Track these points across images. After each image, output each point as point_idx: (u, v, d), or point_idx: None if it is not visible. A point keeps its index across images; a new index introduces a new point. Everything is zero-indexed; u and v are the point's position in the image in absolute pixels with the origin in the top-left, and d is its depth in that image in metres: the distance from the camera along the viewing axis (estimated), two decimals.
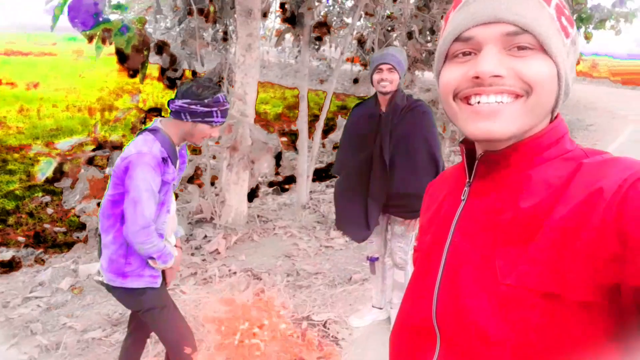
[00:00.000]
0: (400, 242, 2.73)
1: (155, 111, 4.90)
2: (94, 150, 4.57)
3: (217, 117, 1.80)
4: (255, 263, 3.91)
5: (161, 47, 4.79)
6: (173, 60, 4.75)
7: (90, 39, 4.34)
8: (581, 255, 0.56)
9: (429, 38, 7.98)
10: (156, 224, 1.83)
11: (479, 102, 0.65)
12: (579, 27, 11.95)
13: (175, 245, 2.09)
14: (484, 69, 0.63)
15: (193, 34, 4.83)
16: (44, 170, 4.19)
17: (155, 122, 1.86)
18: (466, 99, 0.67)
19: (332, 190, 6.15)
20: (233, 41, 5.05)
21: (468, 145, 0.76)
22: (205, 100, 1.77)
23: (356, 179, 2.66)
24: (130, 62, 4.42)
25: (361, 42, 7.85)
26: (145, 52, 4.50)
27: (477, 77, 0.64)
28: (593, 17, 11.79)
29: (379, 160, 2.56)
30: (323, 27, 4.99)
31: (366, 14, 4.92)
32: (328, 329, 2.81)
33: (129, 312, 3.18)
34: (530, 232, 0.61)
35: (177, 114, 1.80)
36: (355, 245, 4.35)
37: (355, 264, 3.90)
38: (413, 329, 0.76)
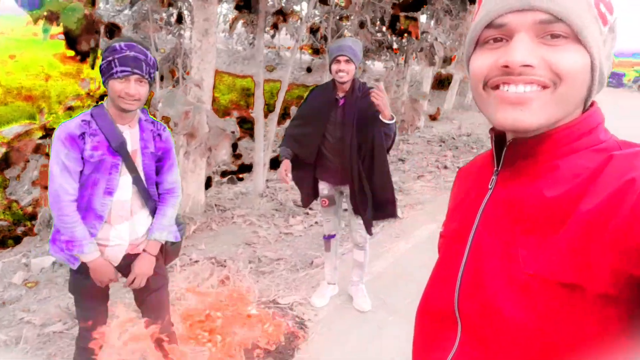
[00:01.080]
0: (359, 218, 2.83)
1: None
2: (41, 138, 4.36)
3: (116, 66, 1.60)
4: (215, 251, 3.91)
5: (113, 30, 4.62)
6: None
7: (36, 20, 4.13)
8: (607, 246, 0.56)
9: (378, 28, 8.16)
10: (93, 204, 1.74)
11: (507, 91, 0.65)
12: None
13: (144, 250, 1.91)
14: (515, 59, 0.62)
15: (146, 16, 4.69)
16: None
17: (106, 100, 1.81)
18: (496, 87, 0.66)
19: (289, 178, 6.22)
20: (187, 25, 4.95)
21: (498, 133, 0.74)
22: (104, 54, 1.64)
23: (308, 154, 2.79)
24: (80, 44, 4.24)
25: (313, 30, 7.90)
26: (97, 35, 4.33)
27: (506, 66, 0.63)
28: None
29: (339, 142, 2.68)
30: (280, 15, 4.99)
31: (320, 1, 4.97)
32: (294, 310, 2.89)
33: None
34: (555, 222, 0.61)
35: (103, 84, 1.71)
36: (314, 231, 4.46)
37: (315, 249, 3.99)
38: (435, 314, 0.77)
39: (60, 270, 3.60)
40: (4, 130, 4.16)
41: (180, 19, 4.75)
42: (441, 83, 14.59)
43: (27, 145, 4.29)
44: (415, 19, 5.27)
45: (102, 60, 1.67)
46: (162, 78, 4.60)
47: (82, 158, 1.72)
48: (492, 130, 0.75)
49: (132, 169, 1.81)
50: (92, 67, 4.40)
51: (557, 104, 0.64)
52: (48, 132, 4.55)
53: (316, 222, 4.64)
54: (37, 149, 4.37)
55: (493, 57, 0.66)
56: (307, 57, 20.27)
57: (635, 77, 20.34)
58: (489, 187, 0.73)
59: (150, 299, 1.98)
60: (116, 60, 1.60)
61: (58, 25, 4.12)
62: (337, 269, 3.13)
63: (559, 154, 0.66)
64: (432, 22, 7.99)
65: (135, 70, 1.62)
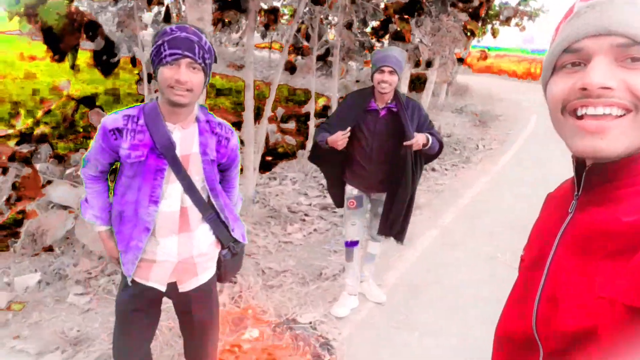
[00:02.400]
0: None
1: (88, 101, 4.42)
2: (17, 144, 4.03)
3: (165, 50, 1.40)
4: None
5: (94, 29, 4.32)
6: (109, 44, 4.30)
7: (12, 17, 3.82)
8: None
9: (360, 30, 8.09)
10: (140, 213, 1.56)
11: (585, 114, 0.64)
12: (487, 24, 12.81)
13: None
14: (592, 81, 0.62)
15: (130, 14, 4.41)
16: None
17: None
18: (574, 111, 0.66)
19: (278, 183, 6.05)
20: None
21: (579, 157, 0.73)
22: (154, 40, 1.46)
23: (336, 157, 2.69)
24: (63, 43, 3.94)
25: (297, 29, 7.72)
26: (79, 32, 4.04)
27: (584, 89, 0.63)
28: (500, 14, 12.67)
29: (377, 152, 2.63)
30: (271, 14, 4.81)
31: (313, 2, 4.84)
32: (316, 329, 2.75)
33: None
34: (631, 246, 0.60)
35: (155, 78, 1.52)
36: (314, 239, 4.33)
37: (319, 259, 3.86)
38: (515, 338, 0.76)
39: (47, 289, 3.31)
40: None
41: (168, 18, 4.49)
42: (414, 84, 14.71)
43: (2, 152, 3.96)
44: (409, 22, 5.22)
45: (153, 46, 1.46)
46: (149, 79, 4.34)
47: (119, 153, 1.54)
48: (574, 155, 0.73)
49: (182, 176, 1.57)
50: (72, 68, 4.10)
51: (638, 130, 0.63)
52: (25, 137, 4.21)
53: (315, 230, 4.51)
54: (13, 158, 4.03)
55: (571, 81, 0.66)
56: (276, 56, 20.00)
57: None
58: (569, 211, 0.73)
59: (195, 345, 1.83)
60: (166, 44, 1.40)
61: (37, 22, 3.81)
62: (358, 282, 3.01)
63: (638, 180, 0.65)
64: (413, 24, 7.97)
65: (187, 53, 1.39)
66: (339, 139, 2.44)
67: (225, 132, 1.67)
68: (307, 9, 5.64)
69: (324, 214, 4.92)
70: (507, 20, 13.14)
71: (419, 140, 2.42)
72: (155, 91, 4.49)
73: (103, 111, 4.37)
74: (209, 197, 1.66)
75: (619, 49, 0.62)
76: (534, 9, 11.87)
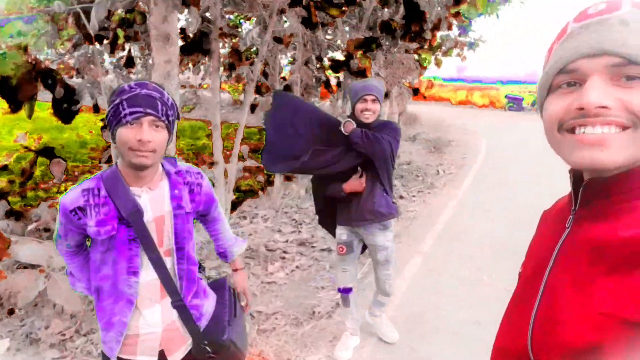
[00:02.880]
0: (387, 269, 2.72)
1: (48, 152, 4.18)
2: None
3: (124, 109, 1.28)
4: None
5: (53, 77, 4.14)
6: (69, 92, 4.13)
7: None
8: None
9: (318, 65, 8.26)
10: (120, 286, 1.43)
11: (584, 133, 0.65)
12: (429, 55, 13.38)
13: (237, 269, 1.80)
14: (589, 100, 0.63)
15: (91, 60, 4.27)
16: None
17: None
18: (571, 130, 0.67)
19: (248, 222, 5.91)
20: (139, 69, 4.59)
21: (576, 172, 0.74)
22: (111, 99, 1.34)
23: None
24: (21, 94, 3.75)
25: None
26: (36, 82, 3.87)
27: (581, 109, 0.64)
28: (442, 45, 13.35)
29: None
30: (237, 54, 4.81)
31: (275, 40, 4.89)
32: None
33: None
34: (631, 262, 0.60)
35: (112, 140, 1.39)
36: (298, 276, 4.22)
37: (308, 297, 3.76)
38: (509, 353, 0.76)
39: (19, 355, 3.01)
40: None
41: (130, 63, 4.38)
42: None
43: None
44: (369, 57, 5.38)
45: (109, 106, 1.34)
46: None
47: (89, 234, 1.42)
48: (572, 170, 0.75)
49: (149, 246, 1.42)
50: (29, 117, 3.90)
51: (637, 145, 0.64)
52: None
53: (297, 267, 4.41)
54: None
55: (567, 101, 0.67)
56: (226, 95, 20.00)
57: (533, 101, 22.70)
58: (566, 226, 0.73)
59: None
60: (125, 102, 1.28)
61: None
62: (359, 321, 2.93)
63: (636, 194, 0.65)
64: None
65: (148, 110, 1.28)
66: (361, 181, 2.51)
67: (195, 177, 1.57)
68: (269, 46, 5.69)
69: (303, 250, 4.83)
70: (448, 51, 13.84)
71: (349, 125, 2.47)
72: None
73: (64, 161, 4.15)
74: (172, 266, 1.50)
75: (614, 69, 0.63)
76: (474, 39, 12.61)
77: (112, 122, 1.32)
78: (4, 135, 10.29)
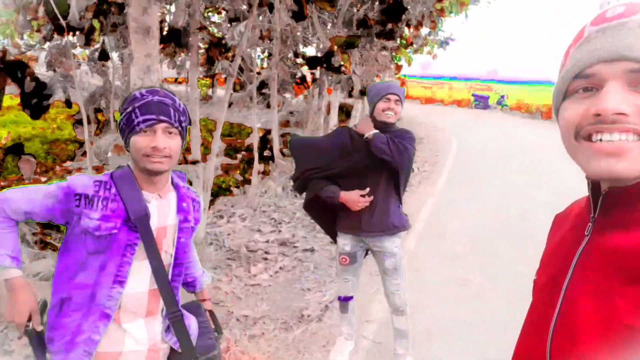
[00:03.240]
0: (396, 279, 2.55)
1: (16, 149, 3.93)
2: None
3: (137, 116, 1.28)
4: None
5: (22, 69, 3.89)
6: (39, 85, 3.88)
7: None
8: None
9: (292, 61, 8.16)
10: (97, 298, 1.32)
11: (601, 140, 0.63)
12: (399, 55, 13.49)
13: (205, 300, 1.70)
14: (607, 106, 0.61)
15: (63, 52, 4.03)
16: None
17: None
18: (588, 137, 0.65)
19: (225, 221, 5.78)
20: (115, 62, 4.37)
21: (594, 179, 0.72)
22: (123, 107, 1.34)
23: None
24: None
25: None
26: (4, 74, 3.64)
27: (598, 115, 0.62)
28: (414, 43, 13.49)
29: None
30: (217, 48, 4.65)
31: (261, 37, 4.77)
32: None
33: None
34: None
35: (125, 147, 1.38)
36: (282, 278, 4.14)
37: (295, 299, 3.68)
38: None
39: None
40: None
41: (104, 56, 4.16)
42: (342, 112, 15.10)
43: None
44: (349, 55, 5.33)
45: (121, 115, 1.32)
46: (88, 121, 3.97)
47: (72, 223, 1.32)
48: (589, 177, 0.72)
49: (153, 254, 1.36)
50: None
51: None
52: None
53: (281, 268, 4.32)
54: None
55: (583, 106, 0.65)
56: (181, 88, 19.60)
57: (499, 99, 23.31)
58: (585, 234, 0.71)
59: None
60: (137, 110, 1.28)
61: None
62: (354, 325, 2.86)
63: None
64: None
65: (162, 117, 1.28)
66: (360, 201, 2.40)
67: (196, 196, 1.54)
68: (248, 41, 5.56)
69: (285, 250, 4.75)
70: (420, 49, 13.98)
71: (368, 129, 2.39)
72: (96, 134, 4.10)
73: (35, 158, 3.91)
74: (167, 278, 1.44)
75: (633, 74, 0.61)
76: (445, 37, 12.79)
77: (125, 130, 1.31)
78: None
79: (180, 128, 1.33)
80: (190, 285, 1.71)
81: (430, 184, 7.50)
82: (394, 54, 9.37)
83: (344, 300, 2.73)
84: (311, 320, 3.27)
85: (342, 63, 5.21)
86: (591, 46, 0.64)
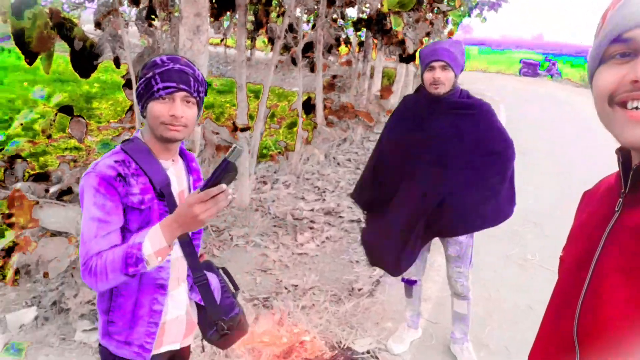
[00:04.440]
0: (459, 265, 2.37)
1: (67, 109, 3.91)
2: None
3: (157, 83, 1.25)
4: None
5: (71, 29, 3.82)
6: (89, 44, 3.82)
7: None
8: None
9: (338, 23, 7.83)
10: (149, 271, 1.30)
11: (637, 108, 0.60)
12: (447, 18, 12.87)
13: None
14: None
15: (111, 11, 3.93)
16: None
17: (136, 132, 1.39)
18: (623, 104, 0.62)
19: (269, 187, 5.71)
20: (161, 21, 4.25)
21: (624, 153, 0.70)
22: (142, 72, 1.29)
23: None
24: (37, 45, 3.47)
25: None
26: (54, 35, 3.57)
27: (636, 81, 0.60)
28: (463, 5, 12.81)
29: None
30: (264, 9, 4.45)
31: None
32: (377, 359, 2.49)
33: None
34: None
35: (141, 112, 1.34)
36: (329, 248, 4.06)
37: (344, 271, 3.60)
38: (553, 342, 0.73)
39: (48, 326, 2.87)
40: None
41: (152, 13, 4.04)
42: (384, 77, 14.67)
43: None
44: (402, 17, 5.00)
45: (139, 79, 1.28)
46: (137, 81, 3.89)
47: (124, 208, 1.28)
48: (620, 150, 0.70)
49: None
50: (47, 72, 3.62)
51: None
52: None
53: (327, 238, 4.24)
54: None
55: (620, 72, 0.63)
56: (232, 51, 19.41)
57: (548, 66, 22.05)
58: (616, 210, 0.69)
59: None
60: (157, 76, 1.25)
61: (5, 22, 3.32)
62: (420, 314, 2.70)
63: None
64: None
65: (182, 86, 1.26)
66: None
67: (195, 161, 1.53)
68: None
69: (331, 220, 4.65)
70: (467, 12, 13.28)
71: None
72: None
73: (84, 119, 3.89)
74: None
75: None
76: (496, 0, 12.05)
77: (144, 95, 1.28)
78: (16, 89, 9.95)
79: (198, 98, 1.32)
80: None
81: None
82: (444, 16, 8.89)
83: (408, 283, 2.56)
84: (362, 295, 3.18)
85: (395, 27, 4.91)
86: (632, 8, 0.61)
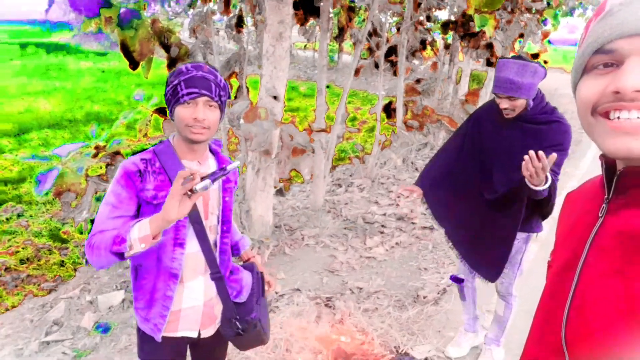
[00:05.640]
0: (507, 267, 2.29)
1: (162, 110, 4.29)
2: (94, 156, 3.94)
3: (182, 89, 1.38)
4: (299, 281, 3.49)
5: (169, 37, 4.19)
6: (184, 51, 4.16)
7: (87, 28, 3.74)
8: None
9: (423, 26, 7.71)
10: (163, 261, 1.45)
11: (618, 117, 0.61)
12: (545, 18, 12.07)
13: (252, 258, 1.76)
14: (626, 84, 0.59)
15: (204, 19, 4.25)
16: (44, 181, 3.52)
17: (172, 134, 1.53)
18: (605, 114, 0.63)
19: (344, 190, 5.79)
20: (249, 29, 4.51)
21: (608, 159, 0.70)
22: (169, 79, 1.42)
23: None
24: (139, 53, 3.82)
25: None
26: (154, 42, 3.93)
27: (617, 92, 0.60)
28: (564, 4, 11.96)
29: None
30: (350, 12, 4.54)
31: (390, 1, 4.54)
32: None
33: None
34: None
35: (170, 116, 1.46)
36: (398, 254, 4.04)
37: (411, 278, 3.57)
38: (541, 348, 0.73)
39: (131, 308, 3.18)
40: (58, 147, 3.74)
41: (240, 22, 4.30)
42: (472, 81, 14.17)
43: (87, 165, 3.89)
44: (495, 16, 4.80)
45: (167, 86, 1.42)
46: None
47: (139, 202, 1.42)
48: (602, 156, 0.71)
49: (194, 217, 1.46)
50: (146, 76, 3.99)
51: None
52: (101, 151, 4.14)
53: (397, 243, 4.22)
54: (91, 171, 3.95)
55: (603, 83, 0.63)
56: (308, 54, 19.84)
57: None
58: (599, 215, 0.70)
59: None
60: (182, 83, 1.38)
61: (112, 31, 3.71)
62: (478, 319, 2.66)
63: None
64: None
65: (203, 91, 1.38)
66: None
67: (229, 159, 1.65)
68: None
69: (403, 226, 4.62)
70: (571, 11, 12.39)
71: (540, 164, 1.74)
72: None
73: None
74: (215, 242, 1.55)
75: None
76: None
77: (171, 100, 1.41)
78: (125, 92, 11.03)
79: (219, 102, 1.43)
80: (233, 249, 1.82)
81: (572, 165, 6.70)
82: (539, 16, 8.39)
83: (455, 280, 2.53)
84: (427, 302, 3.14)
85: (480, 27, 4.75)
86: (613, 20, 0.62)
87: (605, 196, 0.71)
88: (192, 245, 1.49)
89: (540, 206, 2.00)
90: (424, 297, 3.20)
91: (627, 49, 0.61)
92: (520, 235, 2.23)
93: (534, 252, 4.00)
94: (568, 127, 2.06)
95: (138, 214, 1.43)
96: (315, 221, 4.68)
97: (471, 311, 2.62)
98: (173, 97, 1.40)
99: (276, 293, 3.28)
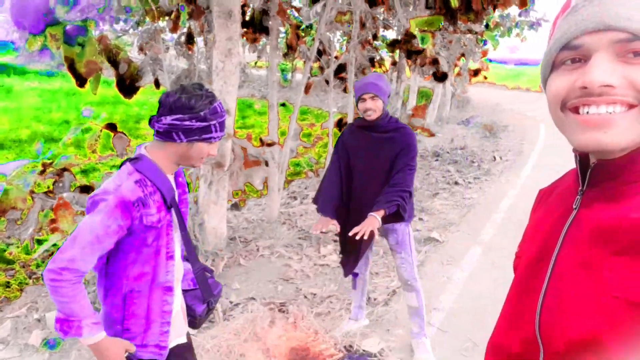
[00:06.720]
0: (400, 252, 2.57)
1: (111, 127, 4.27)
2: (41, 173, 3.86)
3: (215, 131, 1.44)
4: (253, 290, 3.54)
5: (117, 54, 4.20)
6: (133, 68, 4.19)
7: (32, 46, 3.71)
8: None
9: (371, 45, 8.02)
10: (159, 277, 1.44)
11: (587, 112, 0.62)
12: (483, 39, 12.81)
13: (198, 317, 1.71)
14: (593, 79, 0.60)
15: (153, 37, 4.30)
16: None
17: (138, 149, 1.47)
18: (575, 109, 0.64)
19: (299, 202, 5.90)
20: (198, 46, 4.59)
21: (582, 153, 0.70)
22: (202, 113, 1.39)
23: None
24: (87, 70, 3.82)
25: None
26: (101, 59, 3.94)
27: (585, 87, 0.61)
28: (502, 25, 12.72)
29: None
30: (298, 30, 4.71)
31: (337, 19, 4.77)
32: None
33: None
34: None
35: (166, 134, 1.40)
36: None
37: None
38: (515, 339, 0.73)
39: None
40: (2, 164, 3.64)
41: (191, 39, 4.38)
42: (420, 96, 14.71)
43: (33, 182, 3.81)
44: (433, 35, 5.13)
45: (196, 117, 1.38)
46: None
47: (129, 232, 1.37)
48: (576, 149, 0.71)
49: (182, 224, 1.53)
50: (94, 92, 3.99)
51: None
52: (48, 167, 4.07)
53: None
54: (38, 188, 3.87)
55: (571, 79, 0.64)
56: (264, 73, 20.02)
57: None
58: (574, 207, 0.70)
59: None
60: (218, 125, 1.45)
61: (58, 48, 3.70)
62: (363, 308, 2.97)
63: None
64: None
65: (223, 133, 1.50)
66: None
67: (181, 176, 1.69)
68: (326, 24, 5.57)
69: None
70: (507, 32, 13.17)
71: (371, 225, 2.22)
72: None
73: (126, 136, 4.24)
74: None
75: (620, 45, 0.59)
76: (536, 18, 11.91)
77: (199, 134, 1.42)
78: (68, 109, 10.74)
79: None
80: None
81: (514, 175, 7.10)
82: (479, 37, 8.91)
83: (353, 276, 2.87)
84: (377, 304, 3.27)
85: (423, 45, 5.04)
86: (578, 16, 0.63)
87: (580, 188, 0.71)
88: (177, 253, 1.53)
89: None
90: (375, 300, 3.33)
91: (593, 44, 0.61)
92: (399, 225, 2.53)
93: (477, 254, 4.24)
94: (412, 131, 2.50)
95: (117, 248, 1.39)
96: (271, 232, 4.75)
97: (358, 300, 2.94)
98: (202, 133, 1.41)
99: (230, 302, 3.32)
